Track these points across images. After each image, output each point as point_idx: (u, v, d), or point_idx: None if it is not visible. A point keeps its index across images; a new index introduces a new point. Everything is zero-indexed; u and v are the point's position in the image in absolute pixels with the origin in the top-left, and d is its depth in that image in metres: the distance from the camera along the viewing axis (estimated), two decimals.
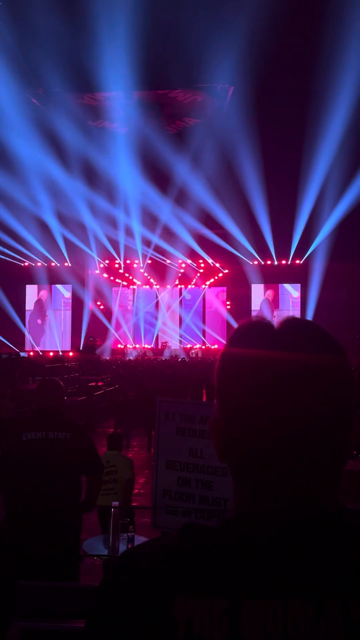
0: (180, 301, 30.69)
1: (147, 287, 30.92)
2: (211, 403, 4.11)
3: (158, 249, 28.78)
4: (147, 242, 28.38)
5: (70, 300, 31.10)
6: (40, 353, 27.94)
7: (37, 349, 29.18)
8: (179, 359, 23.77)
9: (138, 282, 30.89)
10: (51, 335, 30.63)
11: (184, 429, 3.72)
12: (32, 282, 30.79)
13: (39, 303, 31.33)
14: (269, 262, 29.03)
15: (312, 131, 22.68)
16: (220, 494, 3.60)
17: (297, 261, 28.65)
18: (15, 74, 20.57)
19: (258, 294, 29.89)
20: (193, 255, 29.34)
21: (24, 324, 30.50)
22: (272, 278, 29.27)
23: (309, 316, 27.29)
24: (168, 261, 29.65)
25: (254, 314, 29.61)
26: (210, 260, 29.59)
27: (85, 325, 29.24)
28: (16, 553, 3.28)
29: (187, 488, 3.67)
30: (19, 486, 3.26)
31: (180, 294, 30.79)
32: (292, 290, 29.70)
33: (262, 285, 29.72)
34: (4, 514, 3.35)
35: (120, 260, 29.84)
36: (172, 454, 3.73)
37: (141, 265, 30.02)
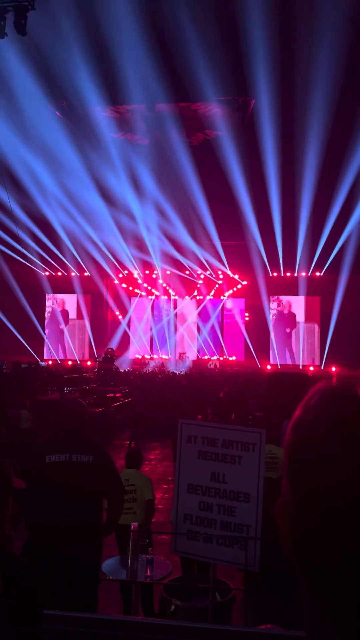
0: (199, 312, 30.67)
1: (166, 297, 30.96)
2: (235, 427, 4.07)
3: (177, 260, 28.86)
4: (165, 253, 28.46)
5: (89, 310, 31.29)
6: (59, 362, 28.11)
7: (56, 357, 29.34)
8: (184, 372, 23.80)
9: (157, 293, 30.96)
10: (70, 344, 30.81)
11: (206, 452, 3.69)
12: (52, 291, 31.07)
13: (58, 312, 31.57)
14: (288, 274, 28.90)
15: (334, 143, 22.62)
16: (242, 520, 3.55)
17: (317, 273, 28.47)
18: (40, 87, 20.91)
19: (276, 305, 29.76)
20: (212, 266, 29.37)
21: (44, 333, 30.75)
22: (291, 290, 29.11)
23: (330, 330, 27.07)
24: (187, 272, 29.69)
25: (270, 326, 29.46)
26: (229, 272, 29.56)
27: (104, 336, 29.41)
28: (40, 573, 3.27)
29: (209, 513, 3.63)
30: (41, 509, 3.26)
31: (199, 305, 30.78)
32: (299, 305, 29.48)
33: (280, 297, 29.56)
34: (25, 536, 3.35)
35: (139, 270, 29.97)
36: (194, 478, 3.69)
37: (160, 276, 30.11)
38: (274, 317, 29.57)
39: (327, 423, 0.58)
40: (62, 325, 31.26)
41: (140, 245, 28.26)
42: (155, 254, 28.57)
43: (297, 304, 29.56)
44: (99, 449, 3.50)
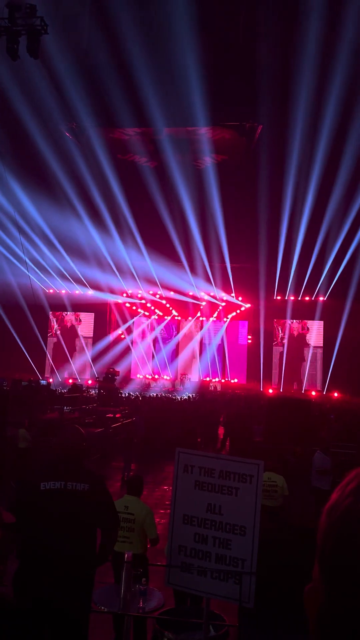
0: (202, 334, 30.67)
1: (168, 318, 31.01)
2: (232, 458, 4.02)
3: (180, 282, 28.95)
4: (169, 275, 28.56)
5: (93, 329, 31.33)
6: (60, 381, 28.05)
7: (58, 377, 29.28)
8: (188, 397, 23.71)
9: (160, 313, 31.02)
10: (71, 363, 30.76)
11: (202, 482, 3.64)
12: (55, 309, 31.15)
13: (61, 330, 31.62)
14: (291, 298, 28.92)
15: (341, 169, 22.84)
16: (237, 553, 3.48)
17: (321, 298, 28.49)
18: (51, 108, 21.29)
19: (280, 329, 29.72)
20: (215, 288, 29.45)
21: (46, 351, 30.75)
22: (295, 314, 29.10)
23: (333, 355, 26.96)
24: (191, 293, 29.77)
25: (279, 349, 29.39)
26: (233, 295, 29.62)
27: (105, 355, 29.40)
28: (25, 605, 3.21)
29: (204, 545, 3.56)
30: (33, 537, 3.21)
31: (202, 326, 30.80)
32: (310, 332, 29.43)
33: (284, 321, 29.54)
34: (16, 565, 3.29)
35: (143, 291, 30.08)
36: (190, 509, 3.64)
37: (163, 296, 30.20)
38: (284, 340, 29.50)
39: None
40: (81, 341, 31.18)
41: (143, 266, 28.40)
42: (158, 276, 28.69)
43: (311, 328, 29.46)
44: (95, 478, 3.46)
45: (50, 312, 31.15)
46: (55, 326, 31.66)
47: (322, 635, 0.58)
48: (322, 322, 28.85)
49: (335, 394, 25.32)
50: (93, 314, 31.11)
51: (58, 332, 31.38)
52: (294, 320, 29.45)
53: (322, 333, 29.04)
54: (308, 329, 29.53)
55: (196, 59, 19.71)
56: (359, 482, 0.59)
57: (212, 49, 20.42)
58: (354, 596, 0.53)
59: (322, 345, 28.94)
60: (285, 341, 29.47)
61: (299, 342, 29.54)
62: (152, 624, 4.29)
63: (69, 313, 31.33)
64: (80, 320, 31.61)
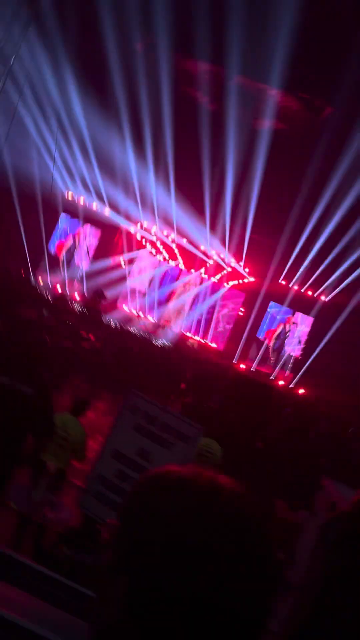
0: (198, 290, 30.60)
1: (173, 264, 30.82)
2: (179, 415, 4.09)
3: (195, 233, 28.62)
4: (187, 223, 28.18)
5: (95, 245, 31.06)
6: (49, 284, 28.00)
7: (49, 281, 29.15)
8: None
9: (166, 256, 30.80)
10: (65, 272, 30.58)
11: (142, 427, 3.72)
12: (69, 214, 30.71)
13: (68, 236, 31.31)
14: (295, 287, 28.79)
15: None
16: None
17: (322, 297, 28.40)
18: (131, 20, 20.30)
19: (278, 311, 29.67)
20: (227, 252, 29.16)
21: (45, 252, 30.45)
22: (292, 304, 29.03)
23: (314, 353, 27.13)
24: (202, 247, 29.49)
25: (265, 329, 29.51)
26: (240, 264, 29.41)
27: (100, 276, 29.27)
28: None
29: (123, 483, 3.68)
30: None
31: (201, 283, 30.68)
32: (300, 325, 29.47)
33: (282, 306, 29.49)
34: None
35: (157, 228, 29.70)
36: (123, 446, 3.73)
37: (175, 240, 29.90)
38: (282, 325, 29.48)
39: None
40: (67, 253, 31.00)
41: (166, 205, 27.91)
42: (177, 219, 28.28)
43: (302, 321, 29.41)
44: (43, 387, 3.51)
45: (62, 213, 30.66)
46: (61, 229, 31.27)
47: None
48: (311, 319, 28.84)
49: (301, 391, 25.67)
50: (101, 231, 30.75)
51: (67, 241, 31.04)
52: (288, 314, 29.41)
53: (308, 327, 29.08)
54: (294, 323, 29.54)
55: (294, 17, 18.73)
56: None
57: (313, 15, 19.40)
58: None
59: (303, 343, 29.03)
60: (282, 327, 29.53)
61: (292, 332, 29.59)
62: (53, 536, 4.46)
63: (83, 227, 30.90)
64: (86, 233, 31.26)
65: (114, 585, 0.71)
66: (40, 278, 27.43)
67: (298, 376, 27.79)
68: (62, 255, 30.99)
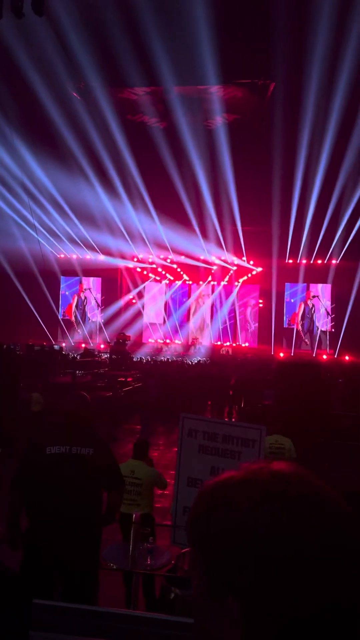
0: (213, 298, 30.61)
1: (180, 282, 30.94)
2: (235, 423, 4.09)
3: (191, 246, 28.73)
4: (179, 239, 28.33)
5: (102, 294, 31.41)
6: (73, 345, 28.34)
7: (70, 341, 29.57)
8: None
9: (171, 278, 30.94)
10: (83, 327, 31.00)
11: (206, 446, 3.71)
12: (67, 274, 31.18)
13: (72, 295, 31.74)
14: (303, 261, 28.62)
15: (357, 127, 22.19)
16: None
17: (334, 261, 28.16)
18: (58, 68, 20.79)
19: (292, 293, 29.53)
20: (226, 252, 29.20)
21: (59, 315, 30.96)
22: (307, 277, 28.83)
23: (345, 318, 26.80)
24: (202, 257, 29.57)
25: (288, 315, 29.31)
26: (243, 259, 29.38)
27: (117, 320, 29.54)
28: (35, 563, 3.34)
29: None
30: (41, 499, 3.32)
31: (213, 290, 30.70)
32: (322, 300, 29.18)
33: (296, 285, 29.32)
34: (26, 525, 3.42)
35: (153, 255, 29.93)
36: (194, 472, 3.73)
37: (174, 260, 30.05)
38: (302, 305, 29.32)
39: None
40: (77, 308, 31.40)
41: (154, 230, 28.15)
42: (169, 240, 28.47)
43: (323, 292, 29.17)
44: (99, 442, 3.54)
45: (62, 277, 31.15)
46: (67, 290, 31.73)
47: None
48: (329, 285, 28.57)
49: (347, 357, 25.31)
50: (103, 278, 31.13)
51: (71, 297, 31.49)
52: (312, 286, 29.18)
53: (329, 297, 28.79)
54: (315, 296, 29.28)
55: (206, 14, 18.98)
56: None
57: (223, 4, 19.64)
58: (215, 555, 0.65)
59: (330, 309, 28.73)
60: (303, 305, 29.29)
61: (310, 307, 29.35)
62: (160, 581, 4.45)
63: (78, 278, 31.33)
64: (91, 285, 31.63)
65: (222, 610, 0.65)
66: (63, 344, 27.79)
67: (338, 347, 27.47)
68: (74, 315, 31.38)
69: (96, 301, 31.00)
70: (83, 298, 31.58)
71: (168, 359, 24.53)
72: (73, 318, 31.33)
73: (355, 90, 20.50)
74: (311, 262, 28.51)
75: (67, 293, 31.79)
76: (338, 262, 27.88)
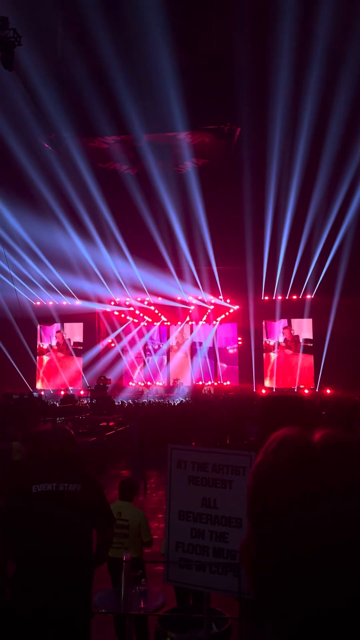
0: (192, 338, 30.64)
1: (158, 324, 30.98)
2: (224, 451, 4.01)
3: (167, 287, 28.94)
4: (155, 280, 28.54)
5: (81, 338, 31.21)
6: (52, 392, 27.88)
7: (50, 388, 29.10)
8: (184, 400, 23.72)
9: (149, 319, 30.98)
10: (62, 374, 30.61)
11: (196, 477, 3.62)
12: (44, 322, 30.99)
13: (49, 341, 31.47)
14: (279, 298, 29.01)
15: (323, 167, 23.02)
16: (234, 546, 3.47)
17: (309, 296, 28.60)
18: (28, 120, 21.27)
19: (270, 329, 29.75)
20: (203, 292, 29.46)
21: (36, 363, 30.58)
22: (284, 313, 29.16)
23: (324, 351, 27.03)
24: (179, 297, 29.75)
25: (270, 351, 29.46)
26: (220, 297, 29.66)
27: (96, 364, 29.27)
28: (25, 609, 3.17)
29: (201, 540, 3.54)
30: (28, 541, 3.18)
31: (192, 330, 30.78)
32: (304, 327, 29.49)
33: (274, 322, 29.58)
34: (12, 569, 3.25)
35: (130, 298, 30.03)
36: (185, 505, 3.62)
37: (151, 302, 30.17)
38: (282, 342, 29.45)
39: (284, 469, 0.64)
40: (55, 354, 31.11)
41: (130, 274, 28.35)
42: (145, 282, 28.67)
43: (303, 327, 29.41)
44: (87, 477, 3.43)
45: (39, 325, 30.95)
46: (45, 337, 31.47)
47: (255, 584, 0.64)
48: (310, 319, 28.94)
49: (328, 391, 25.39)
50: (82, 323, 30.97)
51: (51, 349, 31.21)
52: (284, 327, 29.46)
53: (311, 330, 29.11)
54: (293, 333, 29.56)
55: (171, 64, 19.82)
56: (277, 443, 0.68)
57: (187, 54, 20.56)
58: (278, 546, 0.60)
59: (311, 343, 28.99)
60: (276, 343, 29.47)
61: (290, 343, 29.55)
62: (154, 625, 4.26)
63: (56, 325, 31.17)
64: (69, 331, 31.42)
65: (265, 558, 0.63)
66: (42, 392, 27.34)
67: (319, 381, 27.59)
68: (55, 360, 31.04)
69: (71, 348, 30.82)
70: (62, 344, 31.33)
71: (150, 401, 24.25)
72: (52, 364, 30.98)
73: (318, 130, 21.38)
74: (287, 297, 28.90)
75: (47, 337, 31.56)
76: (313, 297, 28.32)
